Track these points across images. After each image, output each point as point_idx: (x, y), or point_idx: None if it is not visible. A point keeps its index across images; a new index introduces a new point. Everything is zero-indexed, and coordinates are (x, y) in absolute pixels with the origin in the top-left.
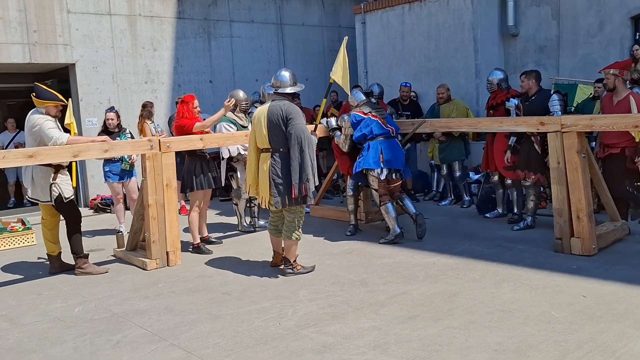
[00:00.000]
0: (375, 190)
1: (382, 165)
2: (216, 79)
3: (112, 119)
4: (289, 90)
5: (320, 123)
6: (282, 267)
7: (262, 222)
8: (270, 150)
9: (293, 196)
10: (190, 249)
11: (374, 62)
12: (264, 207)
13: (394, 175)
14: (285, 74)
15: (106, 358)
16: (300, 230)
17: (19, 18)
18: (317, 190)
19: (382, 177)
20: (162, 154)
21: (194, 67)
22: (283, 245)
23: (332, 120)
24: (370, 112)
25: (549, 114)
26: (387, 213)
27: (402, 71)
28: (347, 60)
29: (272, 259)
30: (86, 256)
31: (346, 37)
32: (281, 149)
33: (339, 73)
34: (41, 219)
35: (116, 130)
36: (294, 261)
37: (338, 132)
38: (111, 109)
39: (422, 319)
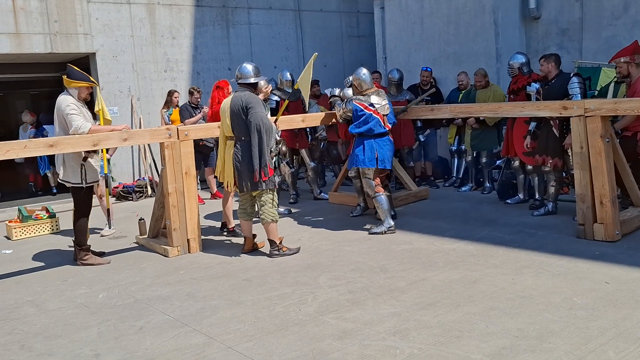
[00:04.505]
0: (369, 178)
1: (376, 164)
2: (235, 66)
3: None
4: (252, 80)
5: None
6: (261, 249)
7: (281, 209)
8: (234, 138)
9: (255, 180)
10: (225, 233)
11: (393, 48)
12: (229, 190)
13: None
14: (248, 67)
15: (130, 343)
16: (274, 210)
17: (40, 8)
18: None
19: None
20: (181, 142)
21: (212, 54)
22: (255, 231)
23: (336, 90)
24: (372, 106)
25: (568, 97)
26: (380, 205)
27: (421, 56)
28: (311, 75)
29: (243, 246)
30: (88, 248)
31: (315, 54)
32: (243, 137)
33: (305, 84)
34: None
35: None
36: (280, 243)
37: (339, 101)
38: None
39: (442, 305)
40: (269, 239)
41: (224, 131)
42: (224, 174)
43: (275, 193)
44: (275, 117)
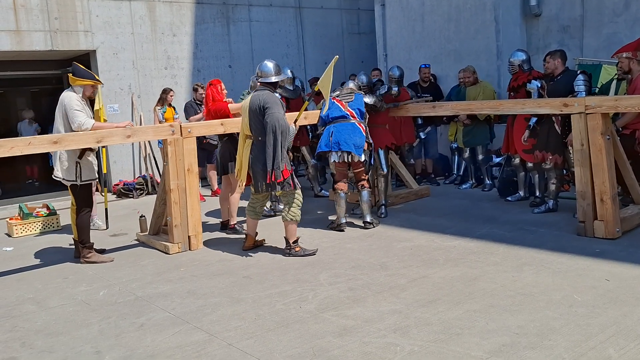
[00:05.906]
0: (333, 174)
1: (330, 147)
2: (235, 63)
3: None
4: (273, 79)
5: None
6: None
7: (282, 206)
8: (252, 137)
9: (267, 182)
10: (227, 231)
11: (394, 45)
12: (241, 188)
13: (348, 157)
14: (269, 64)
15: (130, 340)
16: (297, 211)
17: (40, 5)
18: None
19: (332, 159)
20: (184, 139)
21: (213, 52)
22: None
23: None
24: (337, 96)
25: (573, 94)
26: (337, 200)
27: (422, 53)
28: (331, 77)
29: (244, 243)
30: (91, 245)
31: (336, 57)
32: (259, 137)
33: (326, 86)
34: (70, 204)
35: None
36: (294, 242)
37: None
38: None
39: (442, 303)
40: (285, 237)
41: (243, 129)
42: (242, 172)
43: (301, 193)
44: (295, 118)
